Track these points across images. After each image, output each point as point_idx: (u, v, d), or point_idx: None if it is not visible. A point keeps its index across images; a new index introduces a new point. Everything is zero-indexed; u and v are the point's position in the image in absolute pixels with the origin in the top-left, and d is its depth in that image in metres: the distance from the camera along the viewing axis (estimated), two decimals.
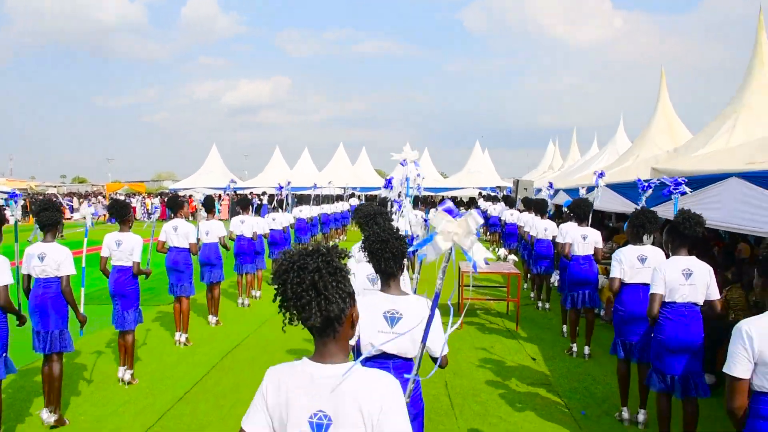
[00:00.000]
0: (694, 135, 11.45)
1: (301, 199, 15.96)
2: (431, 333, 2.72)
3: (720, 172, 6.02)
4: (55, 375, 5.27)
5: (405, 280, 3.85)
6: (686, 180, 5.84)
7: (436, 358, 2.90)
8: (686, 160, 8.49)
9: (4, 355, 4.56)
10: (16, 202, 5.76)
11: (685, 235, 4.53)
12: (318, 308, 1.77)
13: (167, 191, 43.31)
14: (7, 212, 5.75)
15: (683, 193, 5.74)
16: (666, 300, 4.53)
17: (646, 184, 6.75)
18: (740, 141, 8.36)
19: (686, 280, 4.45)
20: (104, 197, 39.01)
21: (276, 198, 12.74)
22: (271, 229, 11.73)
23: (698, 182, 6.23)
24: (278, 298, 1.83)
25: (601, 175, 8.72)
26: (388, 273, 3.17)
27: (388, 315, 3.04)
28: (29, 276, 5.30)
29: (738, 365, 2.71)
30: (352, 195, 26.60)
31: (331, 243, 1.96)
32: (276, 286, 1.84)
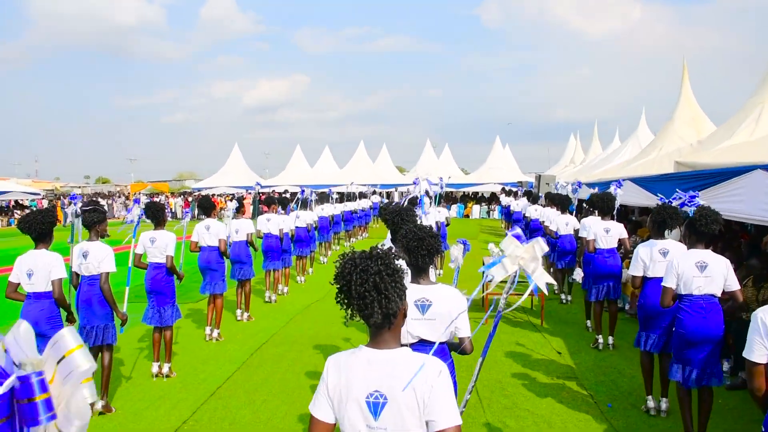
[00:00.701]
0: (718, 127, 11.38)
1: (322, 198, 16.13)
2: (462, 323, 3.13)
3: (744, 164, 6.03)
4: (105, 364, 5.62)
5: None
6: (698, 194, 5.84)
7: (460, 341, 3.10)
8: (709, 153, 8.48)
9: None
10: (75, 204, 5.95)
11: (702, 232, 4.64)
12: (380, 306, 1.99)
13: (190, 190, 43.85)
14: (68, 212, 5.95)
15: (698, 206, 5.78)
16: (683, 293, 4.63)
17: (668, 200, 6.68)
18: (765, 133, 8.33)
19: (701, 273, 4.56)
20: (127, 197, 39.60)
21: (299, 198, 12.93)
22: (296, 227, 11.95)
23: (722, 175, 6.25)
24: (341, 296, 2.06)
25: (618, 184, 8.71)
26: (420, 268, 3.34)
27: (419, 303, 3.28)
28: (77, 274, 5.57)
29: (755, 351, 2.85)
30: (374, 192, 26.68)
31: (353, 240, 2.21)
32: (339, 287, 2.05)
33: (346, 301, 2.05)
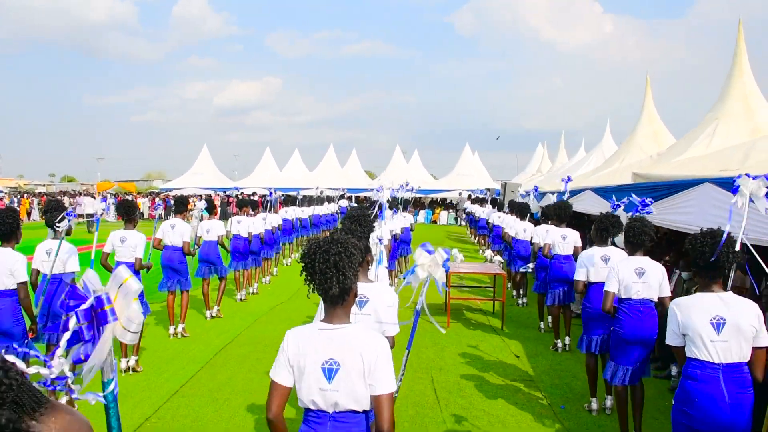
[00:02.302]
0: (677, 140, 11.77)
1: (287, 201, 16.18)
2: (391, 317, 3.45)
3: (695, 177, 6.30)
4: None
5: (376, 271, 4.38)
6: (653, 201, 6.15)
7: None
8: (666, 166, 8.79)
9: (27, 341, 4.85)
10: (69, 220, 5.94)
11: (633, 242, 4.99)
12: (337, 282, 2.41)
13: (158, 191, 43.38)
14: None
15: (650, 213, 6.08)
16: (623, 297, 4.94)
17: (617, 203, 6.98)
18: (718, 147, 8.68)
19: (639, 278, 4.89)
20: (93, 197, 39.02)
21: (269, 200, 13.02)
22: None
23: (675, 187, 6.51)
24: (305, 273, 2.48)
25: (568, 179, 9.21)
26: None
27: (357, 299, 3.46)
28: (38, 271, 5.55)
29: (670, 334, 3.46)
30: (342, 197, 26.77)
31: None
32: (304, 264, 2.45)
33: (309, 277, 2.46)
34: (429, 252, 3.34)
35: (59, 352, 1.89)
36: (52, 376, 1.78)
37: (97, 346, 2.05)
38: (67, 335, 2.01)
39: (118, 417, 2.26)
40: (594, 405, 5.77)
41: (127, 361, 6.67)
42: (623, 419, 5.00)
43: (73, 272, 5.49)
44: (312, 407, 2.46)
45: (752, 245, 3.93)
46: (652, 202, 6.32)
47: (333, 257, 2.40)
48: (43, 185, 54.08)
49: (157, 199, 34.89)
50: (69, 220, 5.62)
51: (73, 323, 2.01)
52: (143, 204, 34.85)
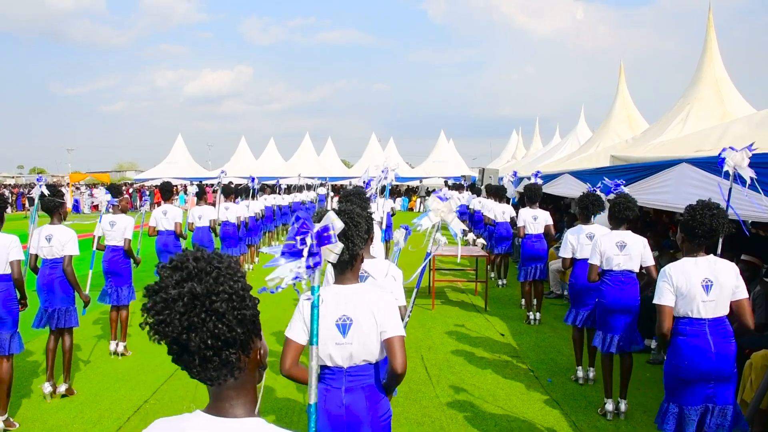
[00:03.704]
0: (650, 125, 12.10)
1: (264, 189, 16.28)
2: (396, 291, 3.59)
3: (673, 158, 6.56)
4: (66, 348, 5.67)
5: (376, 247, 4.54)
6: (625, 182, 6.44)
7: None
8: (642, 149, 9.08)
9: (17, 330, 4.88)
10: (40, 185, 6.01)
11: (618, 218, 5.30)
12: (347, 249, 2.63)
13: (131, 182, 42.93)
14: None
15: (621, 192, 6.39)
16: (605, 268, 5.26)
17: (593, 188, 7.26)
18: (691, 131, 8.99)
19: (620, 251, 5.22)
20: (67, 186, 38.47)
21: (251, 187, 13.11)
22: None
23: (653, 168, 6.76)
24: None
25: (537, 174, 9.97)
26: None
27: (360, 274, 3.64)
28: (36, 256, 5.60)
29: (664, 295, 3.68)
30: (321, 185, 26.83)
31: None
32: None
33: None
34: (442, 199, 3.53)
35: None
36: None
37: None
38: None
39: None
40: (580, 374, 6.12)
41: (116, 345, 6.83)
42: (607, 385, 5.30)
43: (71, 256, 5.55)
44: (329, 363, 2.69)
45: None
46: (623, 183, 6.61)
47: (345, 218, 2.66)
48: (12, 177, 53.13)
49: (131, 190, 34.57)
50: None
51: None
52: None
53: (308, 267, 2.10)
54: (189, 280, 1.23)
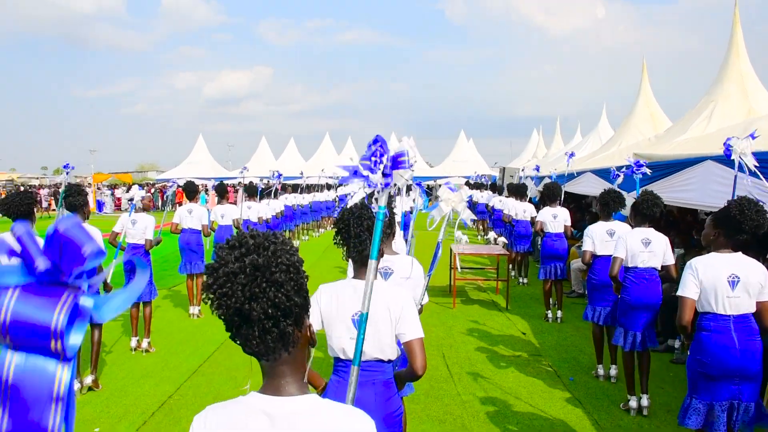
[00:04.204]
0: (674, 123, 11.95)
1: (285, 188, 16.41)
2: (419, 288, 3.65)
3: (697, 155, 6.48)
4: (94, 340, 5.80)
5: (398, 242, 4.54)
6: (647, 163, 6.43)
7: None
8: (666, 146, 8.97)
9: None
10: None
11: (644, 214, 5.24)
12: (370, 243, 2.51)
13: (153, 182, 43.36)
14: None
15: (645, 174, 6.43)
16: (629, 265, 5.23)
17: (617, 172, 7.30)
18: (716, 128, 8.86)
19: (645, 248, 5.19)
20: (89, 187, 39.00)
21: (276, 184, 13.23)
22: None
23: (677, 166, 6.70)
24: (339, 237, 2.81)
25: (572, 155, 9.58)
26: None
27: (382, 270, 3.68)
28: None
29: (688, 287, 3.64)
30: (341, 185, 26.89)
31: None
32: (339, 229, 2.78)
33: (343, 241, 2.79)
34: (452, 189, 3.60)
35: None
36: None
37: None
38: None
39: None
40: (600, 371, 6.12)
41: (137, 341, 6.95)
42: (630, 381, 5.29)
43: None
44: (342, 356, 2.71)
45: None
46: (645, 163, 6.57)
47: (366, 222, 2.72)
48: (36, 178, 53.83)
49: (153, 190, 34.96)
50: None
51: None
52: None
53: (382, 185, 2.05)
54: (249, 254, 1.32)
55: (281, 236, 1.40)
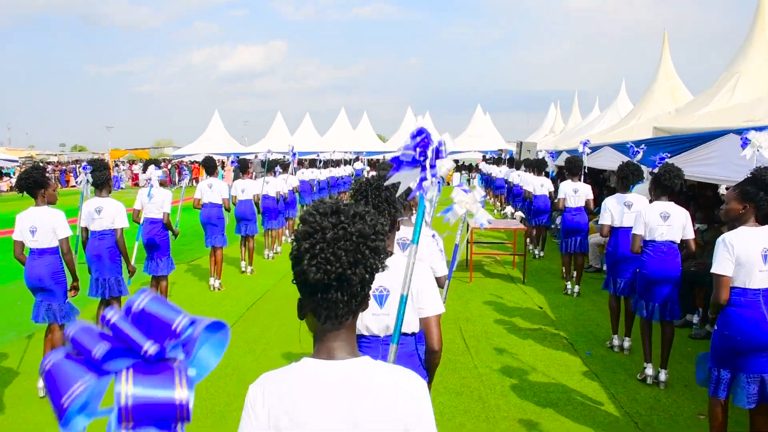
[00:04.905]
0: (695, 96, 11.74)
1: (302, 163, 16.46)
2: (438, 258, 3.69)
3: (719, 129, 6.37)
4: None
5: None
6: (669, 156, 6.32)
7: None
8: (687, 119, 8.84)
9: (67, 301, 5.04)
10: (86, 173, 6.11)
11: (665, 186, 5.21)
12: (389, 214, 2.71)
13: (170, 158, 43.60)
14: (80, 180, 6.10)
15: (636, 153, 6.69)
16: (647, 239, 5.21)
17: (636, 149, 7.22)
18: (739, 101, 8.69)
19: (664, 222, 5.16)
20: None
21: (290, 160, 13.24)
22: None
23: (698, 139, 6.59)
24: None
25: (586, 143, 9.56)
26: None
27: (400, 242, 3.65)
28: (86, 229, 5.77)
29: (724, 265, 3.57)
30: (357, 159, 26.86)
31: None
32: (357, 200, 2.75)
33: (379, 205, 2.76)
34: (465, 191, 3.51)
35: None
36: None
37: None
38: None
39: None
40: (616, 342, 6.18)
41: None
42: (647, 349, 5.33)
43: (122, 228, 5.72)
44: (365, 333, 2.69)
45: None
46: (669, 156, 6.48)
47: (384, 192, 2.71)
48: (55, 155, 54.27)
49: (169, 166, 35.17)
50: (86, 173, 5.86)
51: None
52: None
53: (425, 179, 2.01)
54: (347, 221, 1.39)
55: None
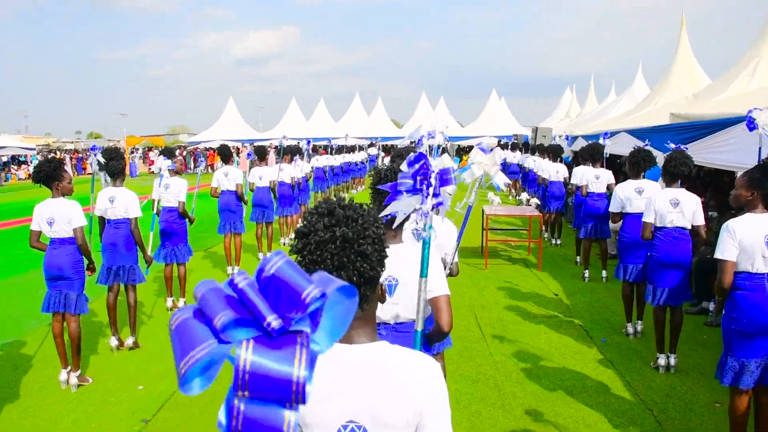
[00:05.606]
0: (713, 81, 11.59)
1: (316, 149, 16.50)
2: (451, 246, 3.68)
3: (737, 115, 6.30)
4: (131, 303, 6.00)
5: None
6: (688, 148, 6.30)
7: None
8: (705, 105, 8.74)
9: (83, 292, 5.12)
10: (95, 154, 6.27)
11: (672, 173, 5.25)
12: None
13: (185, 144, 43.81)
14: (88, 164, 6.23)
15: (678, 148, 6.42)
16: (658, 225, 5.26)
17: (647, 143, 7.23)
18: (759, 85, 8.57)
19: (674, 208, 5.20)
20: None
21: (306, 148, 13.32)
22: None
23: (715, 126, 6.53)
24: (376, 201, 2.79)
25: (606, 135, 9.57)
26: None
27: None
28: (102, 218, 5.86)
29: (727, 250, 3.64)
30: (371, 145, 26.85)
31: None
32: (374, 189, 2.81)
33: (378, 204, 2.72)
34: (485, 151, 3.50)
35: None
36: None
37: None
38: None
39: None
40: (630, 329, 6.23)
41: (172, 301, 7.23)
42: (660, 339, 5.36)
43: (136, 218, 5.78)
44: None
45: None
46: (687, 149, 6.43)
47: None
48: (71, 142, 54.73)
49: (184, 153, 35.36)
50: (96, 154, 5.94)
51: None
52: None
53: (431, 207, 2.02)
54: (339, 225, 1.41)
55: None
